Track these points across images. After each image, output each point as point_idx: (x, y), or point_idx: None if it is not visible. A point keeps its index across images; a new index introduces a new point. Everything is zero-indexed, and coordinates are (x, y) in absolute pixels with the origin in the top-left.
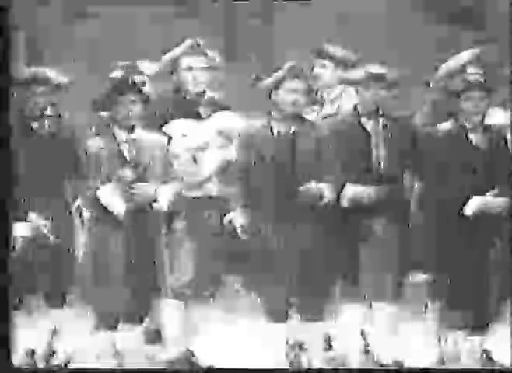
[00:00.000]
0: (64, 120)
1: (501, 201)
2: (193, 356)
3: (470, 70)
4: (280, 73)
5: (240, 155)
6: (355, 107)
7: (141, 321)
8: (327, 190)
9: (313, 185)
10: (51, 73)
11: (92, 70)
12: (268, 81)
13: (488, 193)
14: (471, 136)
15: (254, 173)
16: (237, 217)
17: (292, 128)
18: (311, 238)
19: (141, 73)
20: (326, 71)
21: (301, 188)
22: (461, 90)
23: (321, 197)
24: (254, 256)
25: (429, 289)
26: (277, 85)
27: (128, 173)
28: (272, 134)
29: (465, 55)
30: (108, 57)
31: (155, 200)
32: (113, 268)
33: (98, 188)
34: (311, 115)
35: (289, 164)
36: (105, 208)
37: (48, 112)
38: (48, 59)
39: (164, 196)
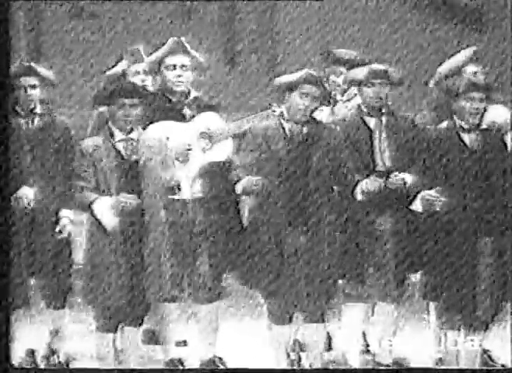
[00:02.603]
0: (56, 119)
1: (440, 198)
2: (220, 361)
3: (469, 69)
4: (296, 77)
5: (250, 154)
6: (359, 106)
7: (141, 323)
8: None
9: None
10: (41, 68)
11: (88, 68)
12: (283, 80)
13: (433, 190)
14: (466, 136)
15: (264, 173)
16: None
17: (305, 130)
18: (318, 238)
19: (142, 61)
20: (341, 77)
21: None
22: (462, 91)
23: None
24: (261, 257)
25: (426, 289)
26: (291, 88)
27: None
28: (284, 133)
29: (464, 54)
30: (104, 55)
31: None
32: (110, 271)
33: (95, 199)
34: (320, 115)
35: (302, 164)
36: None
37: (38, 110)
38: (46, 56)
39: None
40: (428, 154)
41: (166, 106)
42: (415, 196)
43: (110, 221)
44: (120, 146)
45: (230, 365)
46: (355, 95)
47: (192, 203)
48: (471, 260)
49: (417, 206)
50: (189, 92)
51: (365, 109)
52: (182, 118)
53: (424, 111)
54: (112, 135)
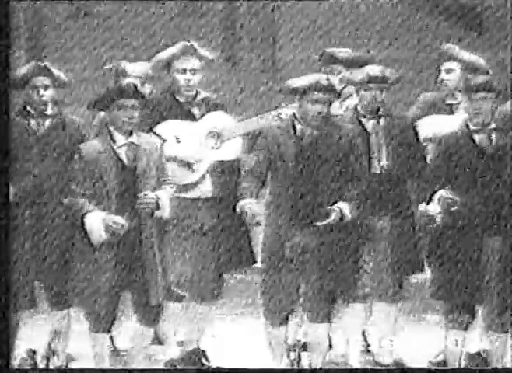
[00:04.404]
0: (66, 119)
1: (457, 198)
2: (202, 355)
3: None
4: (306, 83)
5: (260, 154)
6: (355, 107)
7: (156, 323)
8: (347, 210)
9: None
10: (53, 68)
11: (93, 69)
12: (293, 85)
13: (448, 190)
14: (476, 136)
15: (273, 173)
16: (251, 205)
17: (315, 131)
18: (317, 238)
19: (127, 75)
20: (339, 76)
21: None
22: (468, 90)
23: (342, 218)
24: (262, 257)
25: (433, 288)
26: (302, 93)
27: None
28: (295, 134)
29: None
30: (105, 55)
31: (157, 208)
32: (102, 270)
33: (88, 211)
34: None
35: (312, 166)
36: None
37: (49, 111)
38: (49, 57)
39: (165, 203)
40: (439, 155)
41: (174, 106)
42: (430, 198)
43: (97, 237)
44: (121, 152)
45: (230, 365)
46: (351, 95)
47: (201, 203)
48: (478, 260)
49: (435, 207)
50: (197, 93)
51: (362, 111)
52: (191, 117)
53: (417, 106)
54: (113, 140)
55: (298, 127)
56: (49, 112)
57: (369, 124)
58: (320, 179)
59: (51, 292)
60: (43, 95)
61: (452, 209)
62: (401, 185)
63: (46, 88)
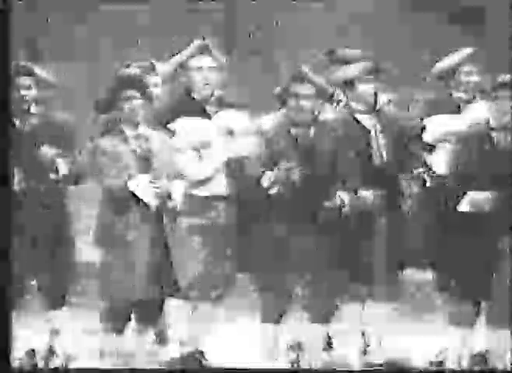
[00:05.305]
0: (54, 120)
1: (486, 196)
2: (201, 355)
3: (465, 69)
4: (285, 81)
5: (258, 154)
6: (345, 105)
7: (155, 323)
8: (347, 199)
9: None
10: (38, 69)
11: (93, 71)
12: (278, 90)
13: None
14: (498, 136)
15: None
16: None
17: (311, 133)
18: (316, 238)
19: (156, 73)
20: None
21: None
22: (491, 90)
23: (343, 206)
24: (264, 256)
25: (437, 284)
26: (286, 93)
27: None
28: (290, 136)
29: (461, 54)
30: (107, 57)
31: (169, 197)
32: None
33: (127, 180)
34: (325, 116)
35: (308, 165)
36: (132, 200)
37: (33, 110)
38: (47, 59)
39: (179, 193)
40: (460, 153)
41: (189, 103)
42: (458, 198)
43: (150, 196)
44: (134, 145)
45: (230, 365)
46: (340, 96)
47: (215, 201)
48: (492, 259)
49: (465, 207)
50: (214, 91)
51: (359, 107)
52: (206, 115)
53: (417, 106)
54: (126, 135)
55: (292, 129)
56: (33, 111)
57: (366, 120)
58: (318, 178)
59: (50, 292)
60: (24, 95)
61: (484, 210)
62: (398, 180)
63: (28, 88)
